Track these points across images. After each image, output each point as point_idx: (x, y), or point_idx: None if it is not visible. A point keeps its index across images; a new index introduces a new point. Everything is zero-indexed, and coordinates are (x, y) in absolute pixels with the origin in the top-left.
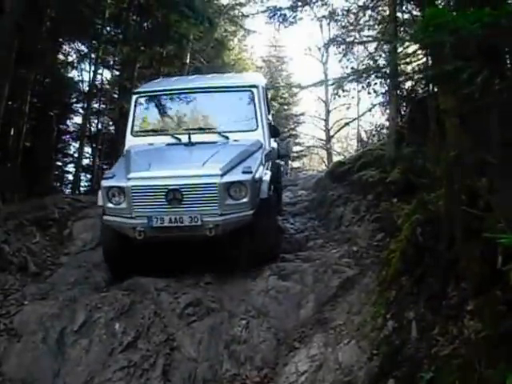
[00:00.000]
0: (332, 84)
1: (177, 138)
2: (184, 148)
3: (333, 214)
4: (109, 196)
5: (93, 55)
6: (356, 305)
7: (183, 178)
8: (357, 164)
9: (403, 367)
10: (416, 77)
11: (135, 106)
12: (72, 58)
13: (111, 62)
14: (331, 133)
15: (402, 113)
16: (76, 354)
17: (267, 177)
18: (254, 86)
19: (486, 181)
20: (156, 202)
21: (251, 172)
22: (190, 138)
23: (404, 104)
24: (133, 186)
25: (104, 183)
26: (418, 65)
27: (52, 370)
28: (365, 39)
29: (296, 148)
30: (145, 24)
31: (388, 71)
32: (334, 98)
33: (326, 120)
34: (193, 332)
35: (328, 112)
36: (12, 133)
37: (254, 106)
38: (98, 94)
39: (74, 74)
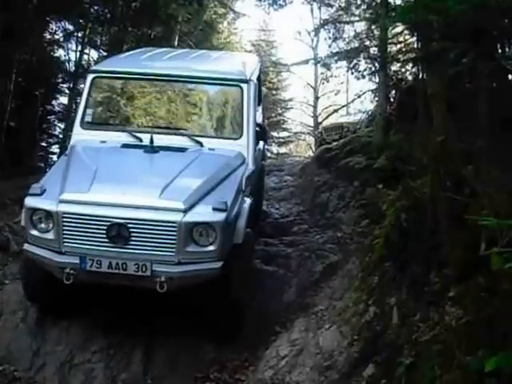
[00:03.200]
0: (318, 62)
1: (136, 136)
2: (143, 155)
3: (318, 199)
4: (33, 220)
5: (80, 34)
6: (338, 290)
7: (133, 208)
8: (344, 150)
9: (383, 353)
10: (402, 58)
11: (90, 88)
12: (58, 36)
13: (98, 42)
14: (319, 119)
15: (391, 100)
16: (56, 334)
17: (245, 212)
18: (245, 81)
19: (472, 167)
20: (94, 237)
21: (225, 209)
22: (152, 140)
23: (393, 90)
24: (65, 213)
25: (28, 202)
26: (405, 45)
27: (32, 350)
28: (353, 19)
29: (283, 134)
30: (133, 4)
31: (376, 52)
32: (323, 84)
33: (315, 106)
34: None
35: (317, 98)
36: None
37: (242, 107)
38: (85, 74)
39: (60, 53)
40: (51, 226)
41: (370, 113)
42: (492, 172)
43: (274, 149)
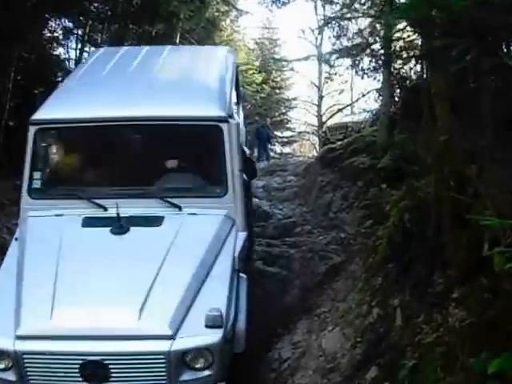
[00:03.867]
0: (318, 59)
1: (99, 205)
2: (110, 240)
3: (321, 200)
4: None
5: (80, 32)
6: (342, 292)
7: (108, 340)
8: (348, 150)
9: (386, 355)
10: (405, 55)
11: (34, 144)
12: (58, 34)
13: (98, 40)
14: (323, 119)
15: (396, 99)
16: None
17: (243, 302)
18: (224, 119)
19: (476, 167)
20: (66, 377)
21: (220, 325)
22: (118, 216)
23: (398, 89)
24: (26, 353)
25: None
26: (409, 42)
27: None
28: (357, 16)
29: (287, 133)
30: (134, 1)
31: (379, 48)
32: (327, 82)
33: (319, 106)
34: None
35: (321, 97)
36: None
37: (223, 154)
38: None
39: (60, 51)
40: (10, 365)
41: (374, 112)
42: (495, 172)
43: (278, 148)
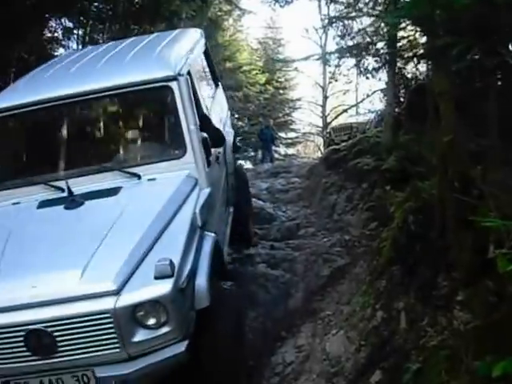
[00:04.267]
0: (320, 58)
1: (56, 186)
2: (63, 214)
3: (325, 202)
4: None
5: (80, 32)
6: (346, 295)
7: (49, 305)
8: (352, 151)
9: (391, 358)
10: (407, 55)
11: None
12: (58, 34)
13: (99, 40)
14: (328, 120)
15: (401, 99)
16: None
17: (206, 258)
18: (173, 78)
19: (481, 168)
20: (11, 352)
21: (171, 275)
22: (69, 190)
23: (402, 90)
24: None
25: None
26: (413, 41)
27: None
28: (361, 15)
29: (291, 134)
30: (135, 0)
31: (383, 48)
32: (331, 83)
33: (323, 106)
34: None
35: (325, 98)
36: None
37: (177, 113)
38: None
39: (60, 51)
40: None
41: (379, 112)
42: (500, 173)
43: (282, 150)
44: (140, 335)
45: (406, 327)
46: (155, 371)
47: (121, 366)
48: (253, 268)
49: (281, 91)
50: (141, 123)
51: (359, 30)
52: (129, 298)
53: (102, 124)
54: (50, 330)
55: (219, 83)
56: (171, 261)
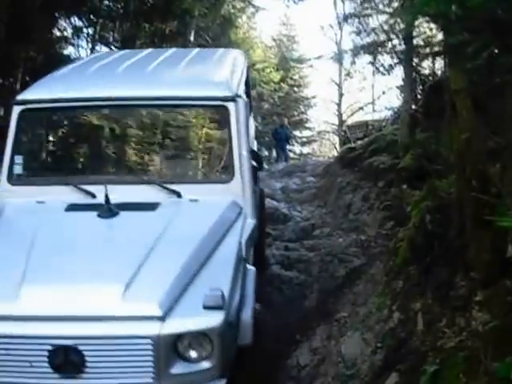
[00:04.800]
0: (339, 55)
1: (87, 191)
2: (95, 223)
3: (341, 201)
4: None
5: (90, 31)
6: (362, 296)
7: (84, 321)
8: (368, 150)
9: (407, 360)
10: (424, 52)
11: (18, 126)
12: (68, 33)
13: (110, 39)
14: (344, 117)
15: (418, 96)
16: None
17: (251, 291)
18: (231, 98)
19: (499, 166)
20: (33, 366)
21: (221, 307)
22: (107, 198)
23: (419, 86)
24: None
25: None
26: (430, 38)
27: None
28: (376, 11)
29: (306, 133)
30: None
31: (399, 45)
32: (347, 80)
33: (339, 104)
34: None
35: (341, 95)
36: (2, 112)
37: (230, 136)
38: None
39: (70, 50)
40: None
41: (395, 110)
42: None
43: (297, 149)
44: (178, 367)
45: (423, 328)
46: None
47: None
48: (267, 269)
49: (295, 89)
50: (188, 139)
51: (377, 28)
52: (174, 326)
53: (146, 133)
54: (80, 348)
55: (251, 112)
56: (223, 292)
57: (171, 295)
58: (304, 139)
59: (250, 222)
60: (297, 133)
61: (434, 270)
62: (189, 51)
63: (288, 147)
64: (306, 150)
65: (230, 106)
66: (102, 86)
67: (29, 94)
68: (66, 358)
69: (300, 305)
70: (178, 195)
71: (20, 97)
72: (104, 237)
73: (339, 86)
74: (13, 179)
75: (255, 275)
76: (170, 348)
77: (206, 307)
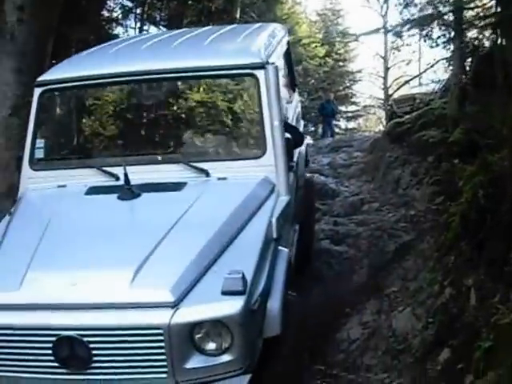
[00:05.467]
0: (389, 31)
1: (110, 173)
2: (115, 205)
3: (390, 176)
4: None
5: (138, 11)
6: (412, 271)
7: (90, 309)
8: (416, 124)
9: (460, 336)
10: (480, 23)
11: (39, 108)
12: (117, 14)
13: (157, 18)
14: (390, 91)
15: (467, 68)
16: None
17: (281, 277)
18: (261, 65)
19: None
20: (35, 360)
21: (242, 291)
22: (127, 179)
23: (469, 58)
24: None
25: None
26: (483, 10)
27: None
28: None
29: (352, 108)
30: None
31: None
32: (393, 53)
33: (385, 78)
34: None
35: (387, 69)
36: None
37: (259, 106)
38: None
39: (119, 30)
40: None
41: (444, 83)
42: None
43: (343, 124)
44: (194, 361)
45: (475, 304)
46: None
47: None
48: (316, 244)
49: (340, 63)
50: (217, 114)
51: (427, 1)
52: (188, 314)
53: (170, 109)
54: (85, 339)
55: (296, 88)
56: (243, 275)
57: (186, 280)
58: (350, 114)
59: (284, 199)
60: (342, 108)
61: (487, 246)
62: (223, 27)
63: (334, 122)
64: (351, 124)
65: (260, 73)
66: (123, 62)
67: (48, 75)
68: (72, 351)
69: (349, 279)
70: (206, 174)
71: (40, 78)
72: (121, 220)
73: (385, 59)
74: (35, 164)
75: (288, 257)
76: (185, 339)
77: (224, 292)
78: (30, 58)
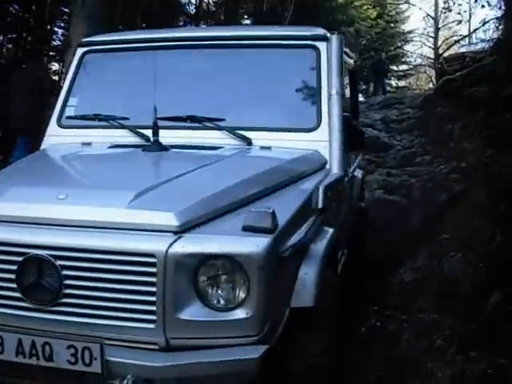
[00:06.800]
0: None
1: (144, 135)
2: (137, 153)
3: (441, 130)
4: None
5: None
6: (464, 219)
7: (72, 229)
8: (467, 80)
9: (510, 280)
10: None
11: (78, 68)
12: None
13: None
14: (440, 51)
15: None
16: None
17: (321, 249)
18: (323, 37)
19: None
20: None
21: (271, 229)
22: (156, 131)
23: None
24: None
25: None
26: None
27: None
28: None
29: (402, 67)
30: None
31: None
32: (444, 13)
33: (435, 38)
34: None
35: (437, 29)
36: None
37: (319, 78)
38: (205, 16)
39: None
40: None
41: (494, 41)
42: None
43: (394, 83)
44: (194, 312)
45: None
46: (203, 380)
47: (149, 356)
48: (371, 193)
49: (392, 25)
50: (266, 81)
51: None
52: (193, 244)
53: (218, 76)
54: (58, 262)
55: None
56: (274, 212)
57: (200, 210)
58: (400, 73)
59: (336, 174)
60: (393, 67)
61: None
62: None
63: (385, 81)
64: (402, 83)
65: (321, 46)
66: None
67: (93, 38)
68: (38, 277)
69: (403, 227)
70: (249, 143)
71: (84, 40)
72: (138, 163)
73: (435, 20)
74: (63, 122)
75: (332, 237)
76: (185, 279)
77: (246, 228)
78: (97, 23)
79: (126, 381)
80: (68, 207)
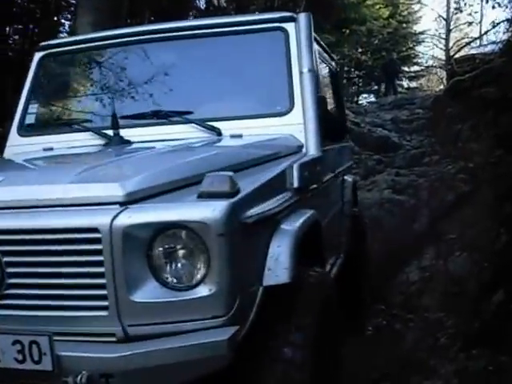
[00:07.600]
0: None
1: (105, 135)
2: (98, 149)
3: (450, 131)
4: None
5: None
6: (470, 219)
7: (10, 210)
8: (476, 81)
9: None
10: None
11: (37, 73)
12: None
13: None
14: (451, 53)
15: None
16: None
17: (295, 228)
18: (289, 19)
19: None
20: None
21: (231, 193)
22: (116, 124)
23: None
24: None
25: None
26: None
27: None
28: None
29: (414, 68)
30: None
31: None
32: (456, 13)
33: (447, 39)
34: None
35: (449, 31)
36: None
37: (289, 60)
38: (215, 12)
39: None
40: None
41: (504, 42)
42: None
43: (405, 83)
44: (149, 292)
45: None
46: (167, 369)
47: (106, 346)
48: (379, 193)
49: (404, 25)
50: (236, 68)
51: None
52: (141, 214)
53: (183, 65)
54: None
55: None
56: (232, 177)
57: (150, 182)
58: (412, 74)
59: (312, 154)
60: (405, 68)
61: None
62: None
63: (397, 81)
64: (413, 84)
65: (289, 27)
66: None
67: (50, 41)
68: None
69: (410, 226)
70: (218, 133)
71: (42, 44)
72: (94, 154)
73: (447, 21)
74: (23, 130)
75: (310, 220)
76: (136, 255)
77: (202, 194)
78: (104, 15)
79: (79, 377)
80: (4, 188)
